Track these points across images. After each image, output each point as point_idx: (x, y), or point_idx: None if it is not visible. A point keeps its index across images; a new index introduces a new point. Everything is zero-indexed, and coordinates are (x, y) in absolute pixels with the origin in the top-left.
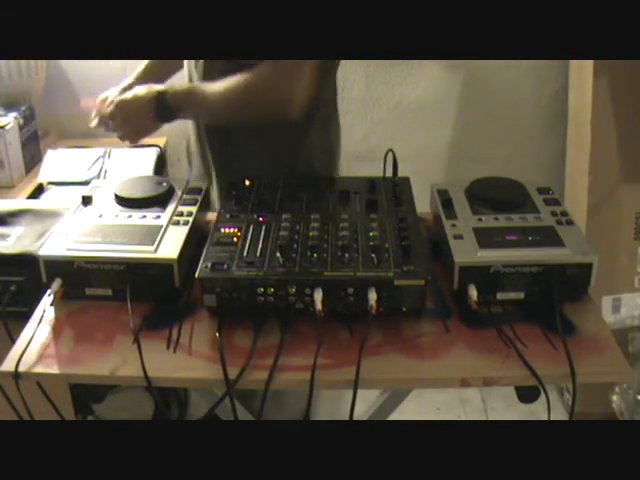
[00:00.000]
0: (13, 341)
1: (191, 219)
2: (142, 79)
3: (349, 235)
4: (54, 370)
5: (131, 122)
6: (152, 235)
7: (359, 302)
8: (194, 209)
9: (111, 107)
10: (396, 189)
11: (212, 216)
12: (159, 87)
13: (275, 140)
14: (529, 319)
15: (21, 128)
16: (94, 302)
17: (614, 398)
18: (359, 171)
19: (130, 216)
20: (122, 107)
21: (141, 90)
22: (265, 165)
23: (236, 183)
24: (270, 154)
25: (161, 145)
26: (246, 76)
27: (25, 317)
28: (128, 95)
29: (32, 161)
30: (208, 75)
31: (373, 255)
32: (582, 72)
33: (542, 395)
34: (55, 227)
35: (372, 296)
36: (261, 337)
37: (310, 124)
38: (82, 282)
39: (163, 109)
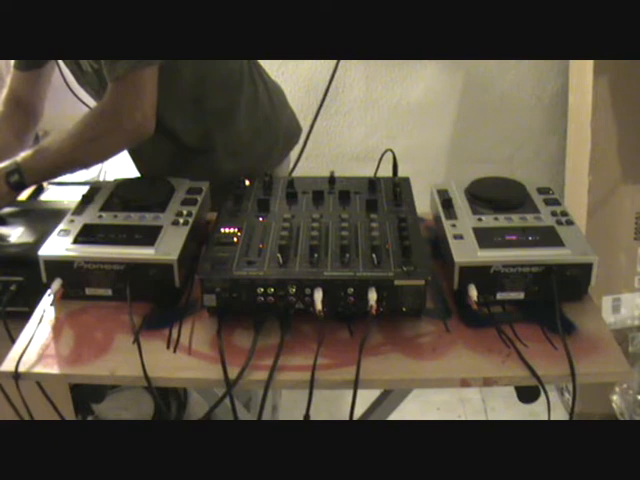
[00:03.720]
0: (13, 341)
1: (191, 219)
2: None
3: (349, 235)
4: (54, 370)
5: None
6: (152, 235)
7: (359, 302)
8: (194, 209)
9: None
10: (396, 189)
11: (212, 216)
12: (5, 163)
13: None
14: (529, 319)
15: None
16: (94, 302)
17: (614, 398)
18: (359, 171)
19: (130, 216)
20: None
21: None
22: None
23: (236, 183)
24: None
25: None
26: (93, 112)
27: (25, 317)
28: None
29: None
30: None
31: (373, 255)
32: (582, 72)
33: (542, 395)
34: (55, 227)
35: (372, 296)
36: (261, 337)
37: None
38: (82, 282)
39: (13, 172)
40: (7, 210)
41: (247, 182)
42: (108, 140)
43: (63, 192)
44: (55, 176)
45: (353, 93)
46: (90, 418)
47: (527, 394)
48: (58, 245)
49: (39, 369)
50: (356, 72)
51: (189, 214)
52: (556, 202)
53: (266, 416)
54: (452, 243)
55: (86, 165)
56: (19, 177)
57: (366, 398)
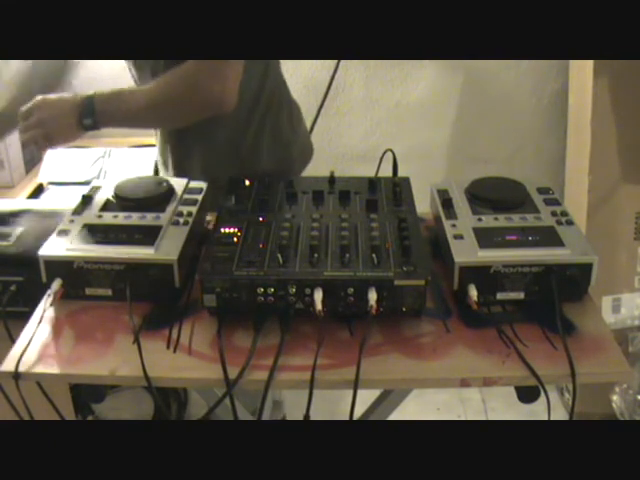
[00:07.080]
0: (13, 341)
1: (191, 219)
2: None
3: (349, 235)
4: (54, 370)
5: (48, 125)
6: (152, 235)
7: (359, 302)
8: (194, 209)
9: (30, 105)
10: (396, 189)
11: (212, 216)
12: (79, 97)
13: (220, 136)
14: (529, 319)
15: None
16: (94, 302)
17: (614, 398)
18: (359, 171)
19: (130, 216)
20: (42, 106)
21: (66, 94)
22: (214, 162)
23: (236, 183)
24: (217, 152)
25: None
26: (174, 73)
27: (25, 317)
28: (52, 96)
29: (32, 161)
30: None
31: (373, 255)
32: (582, 72)
33: (542, 395)
34: (55, 227)
35: (372, 296)
36: (261, 337)
37: (252, 116)
38: (82, 282)
39: (88, 114)
40: (7, 210)
41: (247, 182)
42: (184, 106)
43: (63, 192)
44: (127, 126)
45: (353, 93)
46: (90, 418)
47: (527, 394)
48: (58, 245)
49: (39, 369)
50: (356, 72)
51: (189, 214)
52: (556, 202)
53: (266, 413)
54: (452, 243)
55: (157, 126)
56: (92, 118)
57: (366, 398)
